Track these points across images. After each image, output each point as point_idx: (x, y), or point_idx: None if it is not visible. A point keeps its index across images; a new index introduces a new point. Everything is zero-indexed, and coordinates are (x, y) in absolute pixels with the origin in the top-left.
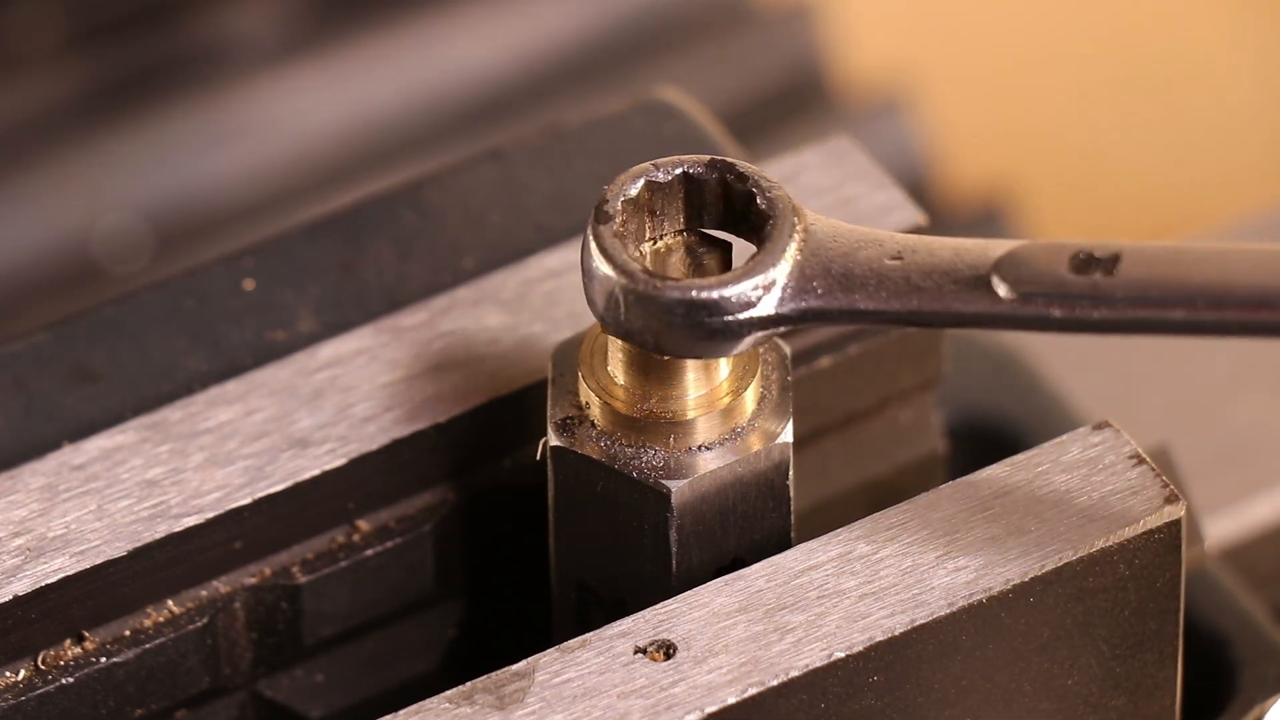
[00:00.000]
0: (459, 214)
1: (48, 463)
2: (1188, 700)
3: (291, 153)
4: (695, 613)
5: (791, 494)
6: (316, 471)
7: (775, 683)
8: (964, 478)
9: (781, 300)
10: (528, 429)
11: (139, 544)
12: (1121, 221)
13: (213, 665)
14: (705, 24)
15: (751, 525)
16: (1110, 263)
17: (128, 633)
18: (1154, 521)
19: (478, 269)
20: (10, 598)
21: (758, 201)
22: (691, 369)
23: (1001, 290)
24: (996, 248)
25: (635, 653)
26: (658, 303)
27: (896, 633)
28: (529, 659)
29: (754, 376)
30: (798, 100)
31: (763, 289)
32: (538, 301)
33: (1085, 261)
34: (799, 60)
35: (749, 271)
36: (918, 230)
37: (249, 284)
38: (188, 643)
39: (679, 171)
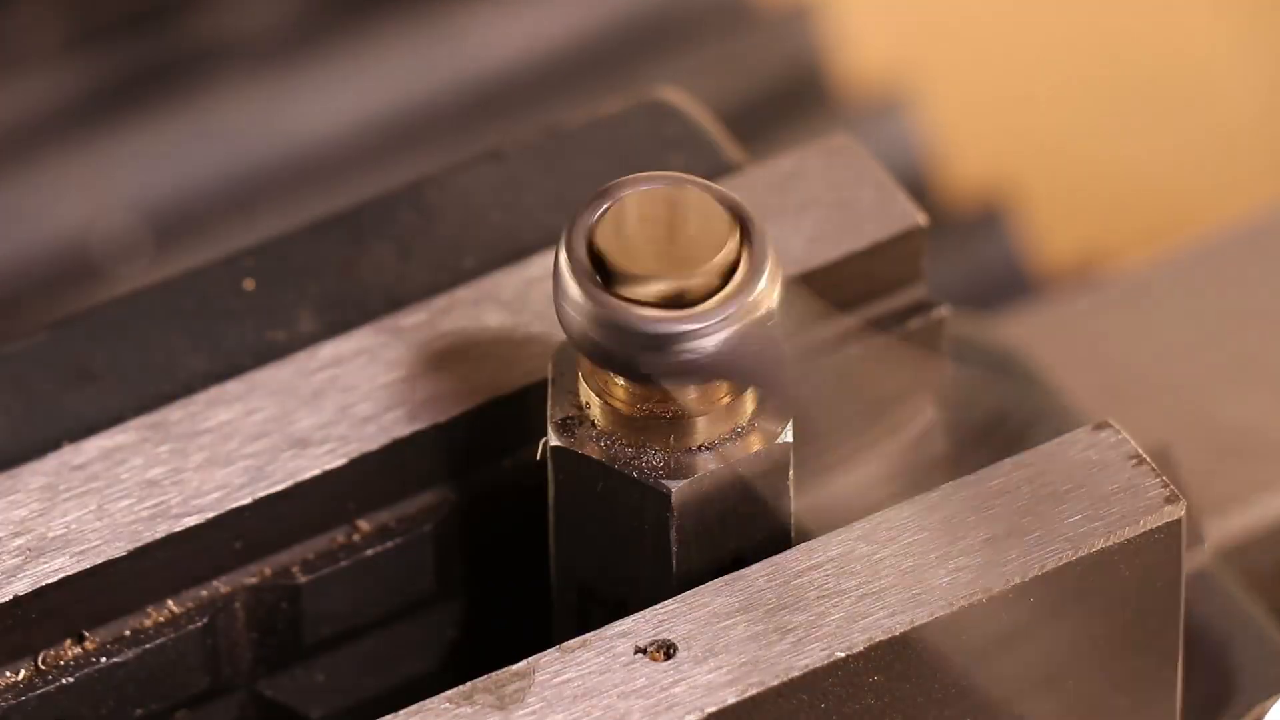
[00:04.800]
0: (459, 214)
1: (48, 463)
2: (1188, 700)
3: (292, 153)
4: (695, 613)
5: (791, 494)
6: (316, 471)
7: (775, 683)
8: (964, 478)
9: None
10: (528, 429)
11: (139, 544)
12: (1121, 222)
13: (213, 665)
14: (705, 24)
15: (751, 525)
16: None
17: (128, 633)
18: (1154, 521)
19: (478, 269)
20: (10, 598)
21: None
22: None
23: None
24: None
25: (635, 653)
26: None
27: (896, 633)
28: (529, 659)
29: None
30: (798, 100)
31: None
32: (538, 301)
33: None
34: (799, 60)
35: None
36: (916, 231)
37: (249, 284)
38: (188, 643)
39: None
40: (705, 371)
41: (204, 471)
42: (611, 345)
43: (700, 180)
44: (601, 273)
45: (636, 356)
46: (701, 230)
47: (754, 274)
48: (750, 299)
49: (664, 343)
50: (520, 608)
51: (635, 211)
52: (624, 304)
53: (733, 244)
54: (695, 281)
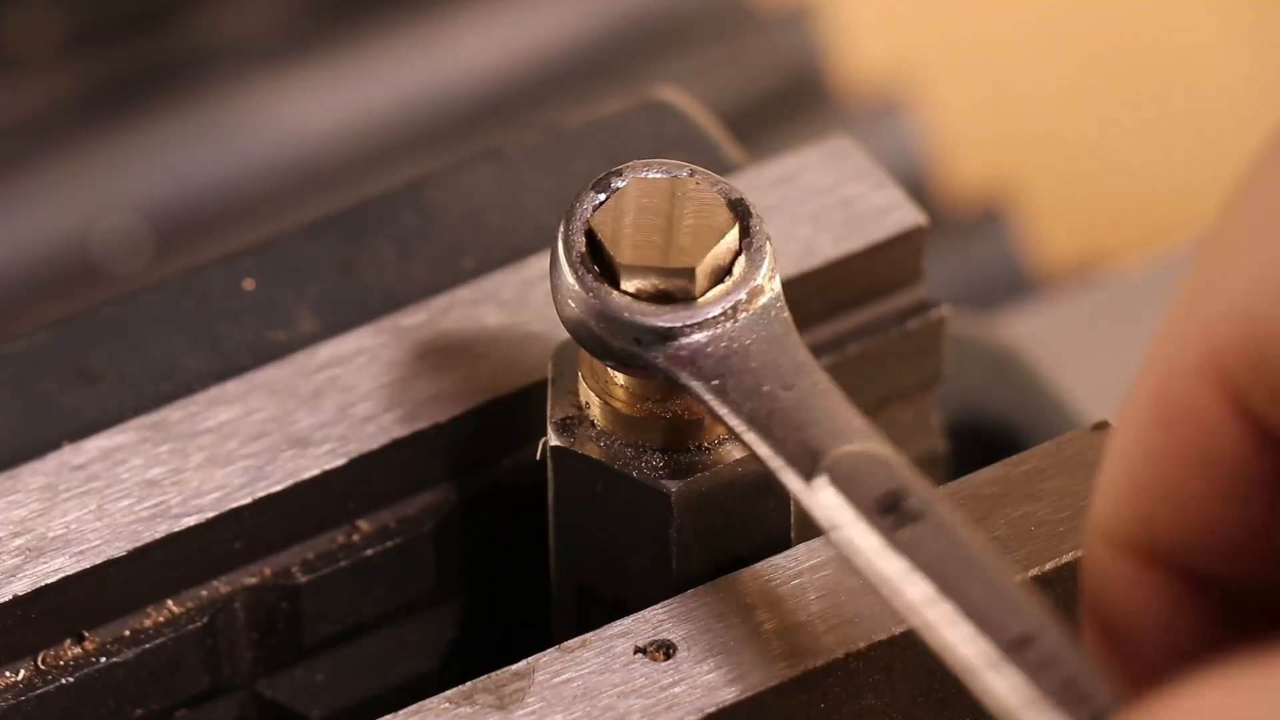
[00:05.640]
0: (459, 214)
1: (48, 463)
2: None
3: (291, 153)
4: (695, 613)
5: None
6: (316, 471)
7: (775, 683)
8: (964, 478)
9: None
10: (528, 429)
11: (139, 544)
12: (1120, 222)
13: (213, 665)
14: (705, 24)
15: (751, 525)
16: (909, 516)
17: (128, 633)
18: None
19: (478, 269)
20: (10, 598)
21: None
22: None
23: (811, 486)
24: (841, 442)
25: (635, 653)
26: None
27: (896, 633)
28: (529, 659)
29: None
30: (798, 100)
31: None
32: (538, 301)
33: (890, 503)
34: (799, 60)
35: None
36: (916, 231)
37: (249, 284)
38: (188, 643)
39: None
40: (702, 366)
41: (204, 471)
42: (607, 337)
43: (702, 170)
44: (599, 262)
45: (630, 349)
46: (700, 224)
47: (752, 269)
48: (748, 293)
49: (658, 336)
50: (520, 608)
51: (634, 202)
52: (619, 297)
53: (732, 238)
54: (691, 278)
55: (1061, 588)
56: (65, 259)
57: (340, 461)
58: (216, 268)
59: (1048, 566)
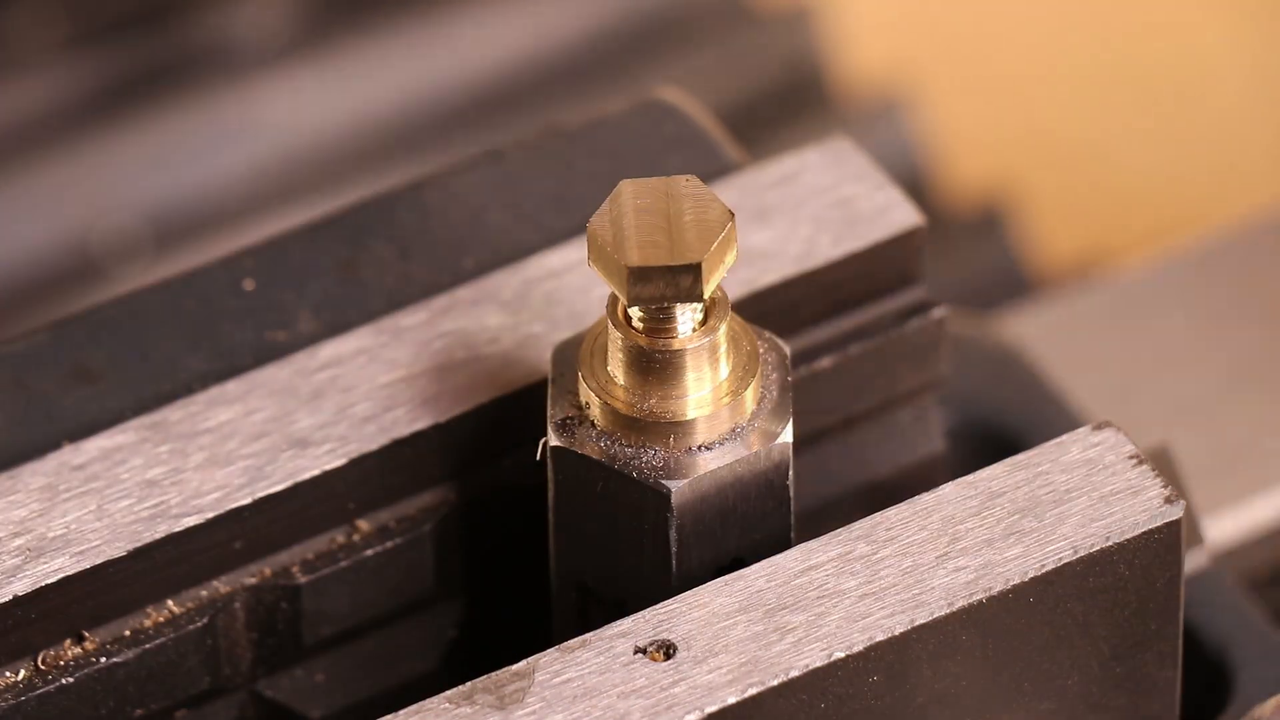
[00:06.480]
0: (459, 214)
1: (48, 463)
2: (1188, 700)
3: (291, 153)
4: (695, 613)
5: (791, 494)
6: (316, 471)
7: (775, 683)
8: (964, 478)
9: None
10: (528, 429)
11: (139, 544)
12: (1121, 223)
13: (213, 665)
14: (705, 24)
15: (751, 525)
16: None
17: (128, 633)
18: (1154, 521)
19: (478, 269)
20: (10, 598)
21: None
22: (691, 368)
23: None
24: None
25: (635, 653)
26: None
27: (896, 633)
28: (529, 659)
29: (754, 376)
30: (798, 100)
31: None
32: (538, 301)
33: None
34: (799, 60)
35: None
36: (916, 231)
37: (249, 284)
38: (188, 643)
39: None
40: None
41: (204, 471)
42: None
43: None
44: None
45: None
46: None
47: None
48: None
49: None
50: (520, 608)
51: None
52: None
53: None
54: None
55: (1061, 587)
56: (65, 259)
57: (340, 461)
58: (216, 268)
59: (1048, 566)
